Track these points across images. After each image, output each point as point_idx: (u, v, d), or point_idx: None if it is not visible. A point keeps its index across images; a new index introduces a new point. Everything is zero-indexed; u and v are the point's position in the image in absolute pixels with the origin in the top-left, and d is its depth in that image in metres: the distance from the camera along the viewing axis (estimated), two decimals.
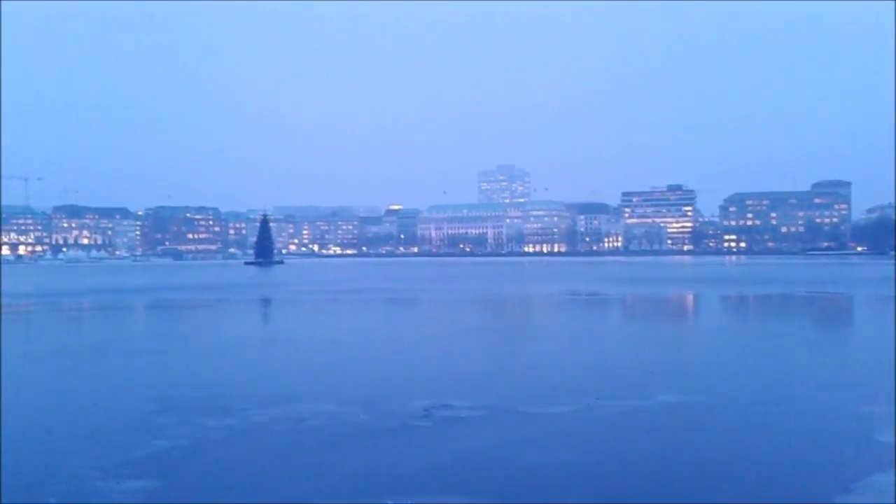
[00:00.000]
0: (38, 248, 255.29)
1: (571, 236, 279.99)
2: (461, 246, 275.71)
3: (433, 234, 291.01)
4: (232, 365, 19.71)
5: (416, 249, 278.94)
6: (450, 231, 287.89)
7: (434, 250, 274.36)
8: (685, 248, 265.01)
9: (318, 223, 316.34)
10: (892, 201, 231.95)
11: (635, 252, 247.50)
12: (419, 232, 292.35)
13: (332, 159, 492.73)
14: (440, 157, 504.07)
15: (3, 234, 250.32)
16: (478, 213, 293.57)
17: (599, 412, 12.83)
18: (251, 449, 10.87)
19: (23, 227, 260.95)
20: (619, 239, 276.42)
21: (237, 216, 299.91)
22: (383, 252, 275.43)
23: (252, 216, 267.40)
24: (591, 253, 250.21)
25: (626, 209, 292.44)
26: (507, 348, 22.98)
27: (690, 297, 47.14)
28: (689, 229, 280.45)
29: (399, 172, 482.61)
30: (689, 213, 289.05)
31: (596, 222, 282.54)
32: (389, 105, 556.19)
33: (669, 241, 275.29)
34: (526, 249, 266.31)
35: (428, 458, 10.29)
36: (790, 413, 12.92)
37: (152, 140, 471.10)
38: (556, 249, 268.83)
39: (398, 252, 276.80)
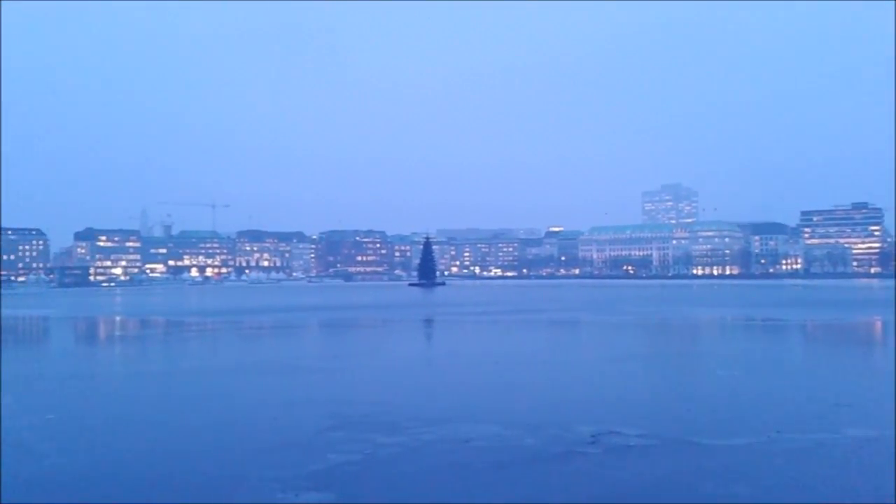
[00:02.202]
0: (224, 270, 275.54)
1: (745, 258, 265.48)
2: (624, 268, 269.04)
3: (595, 255, 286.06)
4: (399, 383, 20.27)
5: (577, 271, 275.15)
6: (612, 253, 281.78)
7: (596, 272, 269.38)
8: (872, 270, 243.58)
9: (479, 245, 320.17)
10: None
11: (817, 275, 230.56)
12: (580, 254, 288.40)
13: (493, 183, 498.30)
14: (601, 177, 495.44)
15: (193, 257, 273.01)
16: (642, 235, 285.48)
17: (780, 445, 12.01)
18: (420, 467, 11.08)
19: (210, 251, 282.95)
20: (799, 261, 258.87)
21: (402, 239, 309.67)
22: (544, 274, 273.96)
23: (416, 239, 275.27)
24: (766, 276, 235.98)
25: (806, 229, 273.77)
26: (677, 375, 22.08)
27: (879, 324, 43.21)
28: (876, 250, 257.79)
29: (559, 194, 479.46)
30: (877, 233, 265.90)
31: (772, 243, 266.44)
32: (548, 127, 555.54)
33: (855, 264, 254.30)
34: (694, 272, 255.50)
35: (596, 486, 10.04)
36: None
37: (325, 169, 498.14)
38: (727, 272, 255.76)
39: (559, 274, 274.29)
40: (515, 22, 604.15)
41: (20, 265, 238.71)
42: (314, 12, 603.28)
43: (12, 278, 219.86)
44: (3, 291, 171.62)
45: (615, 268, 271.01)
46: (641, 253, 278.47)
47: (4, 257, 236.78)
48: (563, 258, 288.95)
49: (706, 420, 14.39)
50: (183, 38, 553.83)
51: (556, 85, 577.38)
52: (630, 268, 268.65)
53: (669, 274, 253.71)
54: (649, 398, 17.34)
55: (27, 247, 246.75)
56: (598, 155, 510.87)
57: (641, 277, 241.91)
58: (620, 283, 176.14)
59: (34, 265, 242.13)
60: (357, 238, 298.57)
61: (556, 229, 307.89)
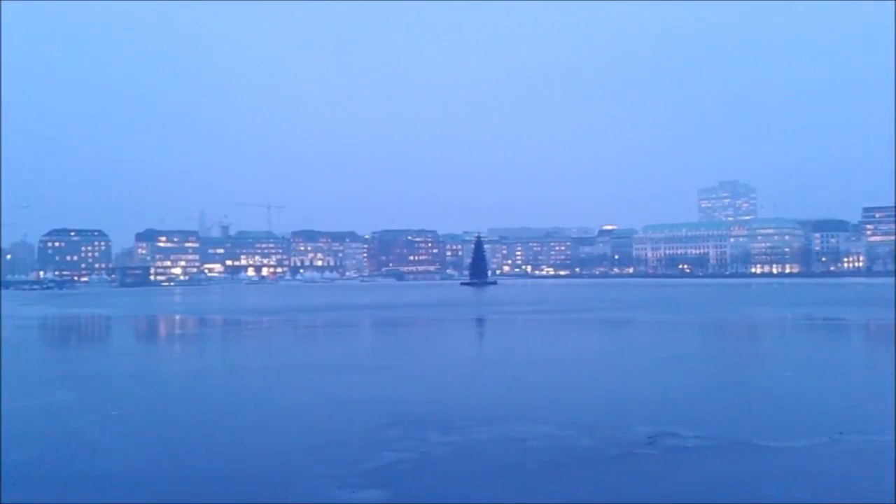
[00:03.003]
0: (279, 270, 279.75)
1: (805, 256, 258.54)
2: (680, 267, 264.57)
3: (649, 254, 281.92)
4: (452, 382, 20.31)
5: (631, 270, 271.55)
6: (667, 251, 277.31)
7: (650, 271, 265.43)
8: None
9: (531, 244, 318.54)
10: None
11: (880, 273, 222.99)
12: (634, 252, 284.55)
13: (544, 181, 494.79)
14: (655, 175, 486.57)
15: (249, 257, 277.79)
16: (698, 233, 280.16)
17: (844, 447, 11.67)
18: (474, 466, 11.08)
19: (266, 251, 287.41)
20: (861, 258, 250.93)
21: (454, 238, 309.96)
22: (597, 273, 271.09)
23: (467, 238, 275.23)
24: (827, 274, 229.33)
25: (868, 226, 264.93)
26: (736, 376, 21.62)
27: None
28: None
29: (612, 192, 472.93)
30: None
31: (833, 240, 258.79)
32: (602, 124, 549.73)
33: None
34: (752, 270, 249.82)
35: (653, 487, 9.89)
36: None
37: (377, 169, 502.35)
38: (787, 270, 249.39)
39: (612, 273, 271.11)
40: (564, 18, 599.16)
41: (83, 265, 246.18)
42: (367, 13, 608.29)
43: (75, 278, 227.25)
44: (66, 291, 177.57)
45: (670, 266, 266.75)
46: (698, 251, 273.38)
47: (68, 258, 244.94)
48: (616, 257, 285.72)
49: (766, 421, 14.06)
50: (238, 42, 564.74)
51: (608, 81, 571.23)
52: (686, 266, 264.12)
53: (727, 273, 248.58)
54: (707, 399, 17.03)
55: (90, 248, 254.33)
56: (652, 152, 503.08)
57: (698, 276, 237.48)
58: (676, 283, 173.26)
59: (96, 265, 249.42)
60: (409, 237, 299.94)
61: (610, 227, 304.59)
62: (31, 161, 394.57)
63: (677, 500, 9.35)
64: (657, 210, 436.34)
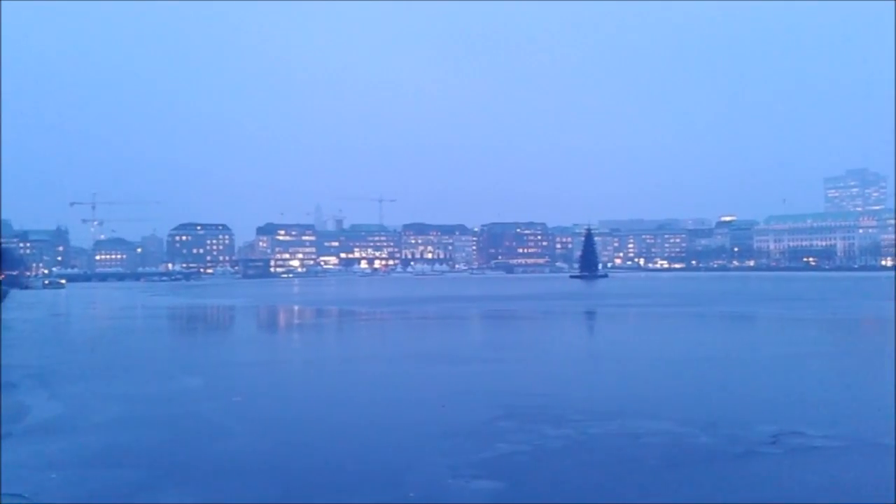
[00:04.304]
0: (391, 262, 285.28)
1: None
2: (804, 259, 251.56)
3: (771, 246, 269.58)
4: (564, 375, 20.13)
5: (751, 263, 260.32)
6: (791, 243, 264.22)
7: (772, 264, 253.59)
8: None
9: (644, 236, 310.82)
10: None
11: None
12: (755, 244, 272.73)
13: (658, 171, 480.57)
14: (779, 163, 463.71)
15: (362, 249, 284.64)
16: (824, 223, 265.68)
17: None
18: (589, 461, 10.95)
19: (378, 244, 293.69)
20: None
21: (563, 230, 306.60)
22: (714, 266, 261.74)
23: (578, 230, 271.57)
24: None
25: None
26: (864, 374, 20.40)
27: None
28: None
29: (731, 181, 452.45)
30: None
31: None
32: (719, 112, 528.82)
33: None
34: (882, 263, 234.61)
35: (776, 489, 9.48)
36: None
37: (486, 162, 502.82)
38: None
39: (731, 266, 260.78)
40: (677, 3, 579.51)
41: (208, 258, 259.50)
42: (475, 11, 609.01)
43: (201, 270, 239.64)
44: (193, 282, 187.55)
45: (794, 259, 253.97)
46: (824, 243, 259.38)
47: (194, 251, 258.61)
48: (735, 249, 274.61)
49: None
50: (346, 44, 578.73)
51: (726, 68, 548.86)
52: (811, 259, 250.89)
53: (855, 266, 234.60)
54: (835, 398, 16.16)
55: (214, 241, 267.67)
56: (774, 140, 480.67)
57: (824, 269, 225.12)
58: (801, 276, 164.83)
59: (221, 258, 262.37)
60: (518, 230, 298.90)
61: (728, 219, 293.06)
62: (159, 161, 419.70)
63: (805, 502, 8.92)
64: (779, 200, 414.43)
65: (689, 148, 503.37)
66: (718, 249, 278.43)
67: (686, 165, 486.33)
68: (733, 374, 20.29)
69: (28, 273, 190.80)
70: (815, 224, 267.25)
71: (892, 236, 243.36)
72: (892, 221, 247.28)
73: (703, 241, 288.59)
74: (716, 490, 9.42)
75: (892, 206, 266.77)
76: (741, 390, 17.36)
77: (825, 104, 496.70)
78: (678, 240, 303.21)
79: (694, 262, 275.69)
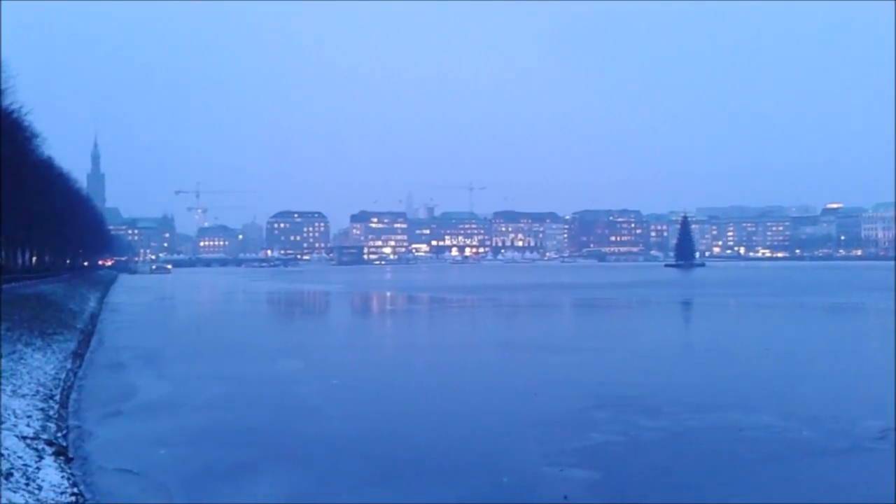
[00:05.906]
0: (481, 250, 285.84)
1: None
2: None
3: (880, 234, 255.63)
4: (659, 366, 19.74)
5: (859, 252, 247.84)
6: None
7: (881, 253, 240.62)
8: None
9: (745, 224, 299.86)
10: None
11: None
12: (863, 233, 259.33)
13: (759, 157, 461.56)
14: (886, 147, 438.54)
15: (453, 237, 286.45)
16: None
17: None
18: (686, 453, 10.75)
19: (468, 232, 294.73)
20: None
21: (658, 218, 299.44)
22: (819, 255, 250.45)
23: (673, 218, 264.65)
24: None
25: None
26: None
27: None
28: None
29: (837, 167, 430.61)
30: None
31: None
32: (824, 92, 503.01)
33: None
34: None
35: (885, 485, 9.06)
36: None
37: (577, 148, 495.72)
38: None
39: (837, 255, 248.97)
40: None
41: (304, 245, 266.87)
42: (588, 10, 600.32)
43: (298, 256, 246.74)
44: (290, 268, 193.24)
45: None
46: None
47: (292, 238, 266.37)
48: (842, 237, 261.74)
49: None
50: (446, 40, 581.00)
51: (831, 47, 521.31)
52: None
53: None
54: None
55: (310, 228, 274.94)
56: (884, 123, 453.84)
57: None
58: None
59: (316, 245, 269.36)
60: (610, 218, 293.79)
61: (835, 206, 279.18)
62: (259, 153, 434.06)
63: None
64: (888, 186, 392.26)
65: (792, 130, 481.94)
66: (824, 238, 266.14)
67: (790, 148, 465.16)
68: (838, 366, 19.49)
69: (136, 259, 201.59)
70: None
71: None
72: None
73: (808, 230, 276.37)
74: (822, 486, 9.10)
75: None
76: (846, 384, 16.67)
77: None
78: (781, 228, 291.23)
79: (798, 251, 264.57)
